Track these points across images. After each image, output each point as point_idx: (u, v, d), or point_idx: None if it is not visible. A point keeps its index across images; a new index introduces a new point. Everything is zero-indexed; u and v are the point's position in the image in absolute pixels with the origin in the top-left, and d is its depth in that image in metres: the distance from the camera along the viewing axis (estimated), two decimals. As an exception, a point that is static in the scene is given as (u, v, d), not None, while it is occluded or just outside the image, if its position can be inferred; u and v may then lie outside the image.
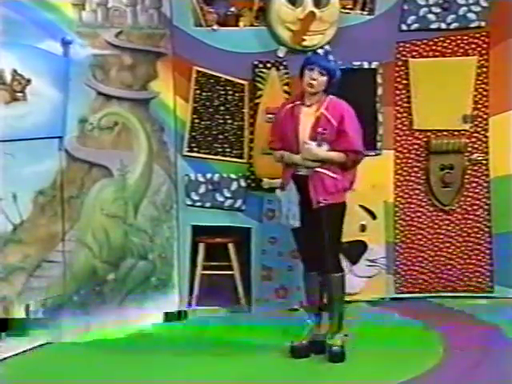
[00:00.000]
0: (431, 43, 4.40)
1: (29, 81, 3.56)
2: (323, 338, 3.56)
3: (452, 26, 4.39)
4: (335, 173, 3.44)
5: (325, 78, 3.42)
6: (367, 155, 4.38)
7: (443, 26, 4.39)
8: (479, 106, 4.47)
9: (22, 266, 3.60)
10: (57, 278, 3.76)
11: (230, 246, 4.34)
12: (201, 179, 4.32)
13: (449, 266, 4.55)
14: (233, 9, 4.32)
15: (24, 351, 3.59)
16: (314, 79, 3.39)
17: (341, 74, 3.53)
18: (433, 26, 4.39)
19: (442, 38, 4.40)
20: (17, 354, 3.55)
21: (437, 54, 4.41)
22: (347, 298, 4.37)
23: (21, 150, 3.55)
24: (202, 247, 4.34)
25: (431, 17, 4.38)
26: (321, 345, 3.56)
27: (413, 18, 4.36)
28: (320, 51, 3.48)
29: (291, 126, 3.47)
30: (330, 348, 3.48)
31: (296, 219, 3.46)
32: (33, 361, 3.54)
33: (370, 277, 4.47)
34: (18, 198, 3.56)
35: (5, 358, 3.50)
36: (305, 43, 4.21)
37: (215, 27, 4.23)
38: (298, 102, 3.49)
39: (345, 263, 4.37)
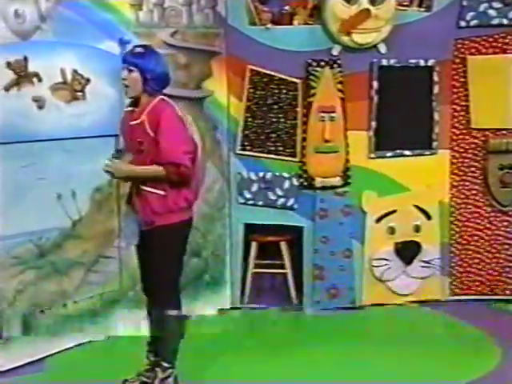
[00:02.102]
0: (491, 40, 4.29)
1: (88, 80, 3.64)
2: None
3: (514, 22, 4.28)
4: (164, 190, 2.94)
5: (135, 75, 2.93)
6: (422, 154, 4.39)
7: (505, 21, 4.26)
8: (541, 103, 4.34)
9: (81, 261, 3.70)
10: (113, 274, 3.84)
11: (283, 245, 4.34)
12: (253, 177, 4.33)
13: (507, 269, 4.44)
14: (287, 7, 4.31)
15: (79, 345, 3.68)
16: (124, 79, 2.95)
17: (158, 68, 2.97)
18: (493, 22, 4.26)
19: (502, 34, 4.28)
20: (70, 348, 3.65)
21: (497, 50, 4.29)
22: (401, 300, 4.36)
23: (80, 147, 3.63)
24: (254, 245, 4.35)
25: (492, 12, 4.25)
26: None
27: (472, 14, 4.25)
28: (130, 46, 3.03)
29: (124, 136, 3.09)
30: None
31: (128, 238, 3.07)
32: (85, 356, 3.62)
33: (424, 278, 4.39)
34: (77, 194, 3.66)
35: (58, 352, 3.60)
36: (360, 41, 4.16)
37: (269, 26, 4.23)
38: (130, 109, 3.05)
39: (399, 263, 4.36)
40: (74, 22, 3.58)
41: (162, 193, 2.95)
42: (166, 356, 3.06)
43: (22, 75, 3.38)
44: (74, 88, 3.59)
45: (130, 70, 2.95)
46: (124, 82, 2.98)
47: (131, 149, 3.03)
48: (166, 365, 3.05)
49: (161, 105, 2.96)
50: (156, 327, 3.06)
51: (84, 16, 3.63)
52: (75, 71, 3.59)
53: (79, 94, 3.61)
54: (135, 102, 3.03)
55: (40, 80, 3.45)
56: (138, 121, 2.96)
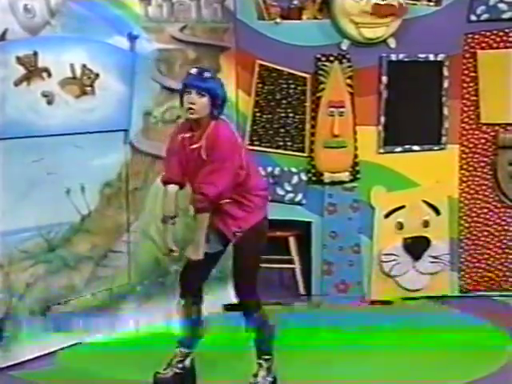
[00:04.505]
0: (502, 34, 4.27)
1: (97, 75, 3.63)
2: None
3: (525, 16, 4.26)
4: (236, 194, 2.97)
5: (205, 100, 2.90)
6: (431, 150, 4.36)
7: (515, 15, 4.26)
8: (551, 98, 4.32)
9: (90, 256, 3.71)
10: (122, 268, 3.85)
11: (291, 240, 4.34)
12: (261, 172, 4.32)
13: (516, 264, 4.44)
14: (296, 2, 4.30)
15: (88, 339, 3.69)
16: (193, 103, 2.90)
17: (225, 93, 2.98)
18: (504, 16, 4.24)
19: (514, 29, 4.28)
20: (80, 343, 3.66)
21: (508, 45, 4.27)
22: (410, 295, 4.36)
23: (89, 142, 3.64)
24: (262, 240, 4.35)
25: (502, 6, 4.23)
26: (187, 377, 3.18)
27: (483, 8, 4.23)
28: (194, 70, 2.94)
29: (181, 160, 3.00)
30: None
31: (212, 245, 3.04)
32: (95, 349, 3.62)
33: (433, 273, 4.38)
34: (86, 189, 3.66)
35: (67, 347, 3.61)
36: (369, 35, 4.16)
37: (278, 20, 4.22)
38: (188, 135, 2.97)
39: (408, 259, 4.35)
40: (84, 17, 3.58)
41: (237, 198, 2.97)
42: (267, 349, 3.14)
43: (32, 70, 3.38)
44: (83, 83, 3.59)
45: (201, 95, 2.90)
46: (190, 106, 2.90)
47: (190, 172, 2.98)
48: (267, 357, 3.13)
49: (218, 127, 2.92)
50: (258, 327, 3.11)
51: (93, 11, 3.63)
52: (84, 66, 3.59)
53: (88, 88, 3.61)
54: (192, 125, 2.97)
55: (49, 75, 3.46)
56: (198, 144, 2.93)
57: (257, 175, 3.13)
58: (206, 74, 2.95)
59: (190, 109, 2.91)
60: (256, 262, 3.09)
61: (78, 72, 3.58)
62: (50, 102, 3.47)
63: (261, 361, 3.13)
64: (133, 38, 3.79)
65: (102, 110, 3.67)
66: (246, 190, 3.00)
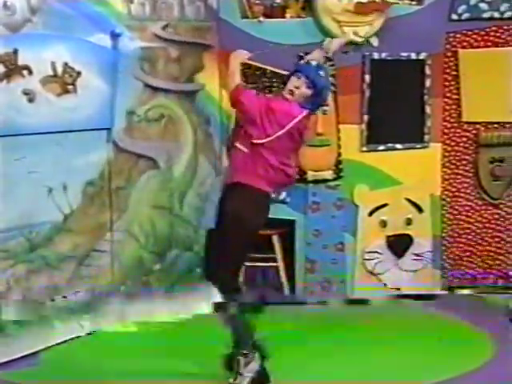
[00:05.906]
0: (483, 33, 4.31)
1: (79, 73, 3.62)
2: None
3: (506, 15, 4.28)
4: (247, 148, 3.11)
5: (309, 92, 3.06)
6: (414, 148, 4.38)
7: (496, 15, 4.28)
8: (532, 97, 4.36)
9: (72, 255, 3.69)
10: (105, 267, 3.83)
11: (275, 238, 4.35)
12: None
13: (498, 262, 4.46)
14: (279, 0, 4.30)
15: (71, 339, 3.67)
16: (297, 87, 3.06)
17: (326, 98, 3.20)
18: (485, 16, 4.28)
19: (494, 28, 4.30)
20: (63, 342, 3.64)
21: (489, 44, 4.31)
22: (395, 293, 4.38)
23: (71, 141, 3.62)
24: (246, 239, 4.35)
25: (483, 6, 4.27)
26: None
27: (464, 7, 4.27)
28: (314, 63, 3.10)
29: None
30: None
31: None
32: (78, 349, 3.61)
33: (415, 271, 4.41)
34: (69, 188, 3.64)
35: (52, 346, 3.59)
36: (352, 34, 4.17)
37: (261, 19, 4.22)
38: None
39: (391, 256, 4.37)
40: (65, 14, 3.56)
41: (245, 150, 3.05)
42: (245, 344, 3.10)
43: (12, 68, 3.35)
44: (64, 81, 3.57)
45: (308, 87, 3.06)
46: (293, 89, 3.06)
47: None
48: (245, 351, 3.09)
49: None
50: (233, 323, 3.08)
51: (75, 9, 3.61)
52: (66, 64, 3.57)
53: (70, 87, 3.59)
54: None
55: (30, 73, 3.43)
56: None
57: (280, 158, 3.10)
58: (322, 73, 3.11)
59: (291, 91, 3.05)
60: (240, 227, 3.04)
61: (60, 70, 3.55)
62: (31, 100, 3.44)
63: (239, 357, 3.11)
64: (115, 36, 3.78)
65: (84, 108, 3.66)
66: (263, 156, 3.02)
